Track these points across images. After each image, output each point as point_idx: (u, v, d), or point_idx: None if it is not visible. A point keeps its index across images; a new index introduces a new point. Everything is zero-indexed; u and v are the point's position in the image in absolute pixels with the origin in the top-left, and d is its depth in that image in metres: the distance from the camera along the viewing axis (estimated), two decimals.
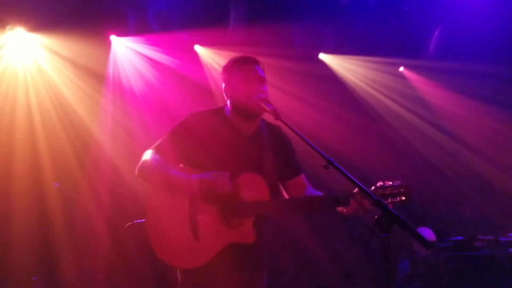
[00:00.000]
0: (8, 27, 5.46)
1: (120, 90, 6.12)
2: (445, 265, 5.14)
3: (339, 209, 2.72)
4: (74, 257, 5.35)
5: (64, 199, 5.56)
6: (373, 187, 2.61)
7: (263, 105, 2.75)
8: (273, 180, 2.89)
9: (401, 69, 7.42)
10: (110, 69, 6.09)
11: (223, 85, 2.97)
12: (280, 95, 6.18)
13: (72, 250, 5.39)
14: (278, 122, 2.73)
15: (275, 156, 2.93)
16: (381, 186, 2.59)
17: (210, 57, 6.50)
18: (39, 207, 5.39)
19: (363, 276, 6.21)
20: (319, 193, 2.92)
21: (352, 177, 2.36)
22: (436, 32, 6.89)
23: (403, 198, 2.55)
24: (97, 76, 5.96)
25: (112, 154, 5.88)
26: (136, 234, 4.47)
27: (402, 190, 2.56)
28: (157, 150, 2.81)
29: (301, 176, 3.04)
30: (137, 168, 2.81)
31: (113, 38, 6.07)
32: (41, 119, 5.68)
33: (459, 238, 5.51)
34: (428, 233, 5.76)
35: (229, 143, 2.84)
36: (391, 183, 2.58)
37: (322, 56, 7.12)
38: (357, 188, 2.54)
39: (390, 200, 2.55)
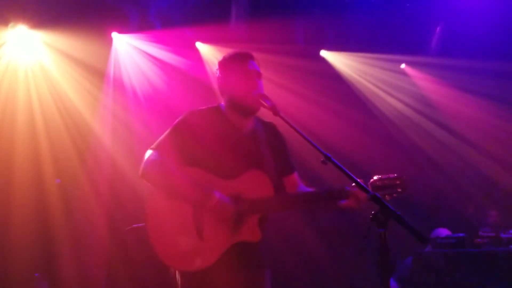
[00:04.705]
0: (10, 24, 5.48)
1: (121, 87, 6.13)
2: (446, 262, 5.13)
3: (341, 204, 2.75)
4: (75, 253, 5.37)
5: (65, 195, 5.58)
6: (370, 180, 2.66)
7: (262, 101, 2.75)
8: (274, 176, 2.88)
9: (403, 66, 7.41)
10: (112, 66, 6.10)
11: (219, 82, 2.95)
12: (281, 91, 6.17)
13: (73, 246, 5.41)
14: (276, 118, 2.71)
15: (272, 152, 2.93)
16: (378, 179, 2.66)
17: (212, 54, 6.50)
18: (40, 203, 5.42)
19: (362, 272, 6.22)
20: (312, 190, 2.93)
21: (349, 172, 2.36)
22: (438, 29, 6.88)
23: (399, 190, 2.64)
24: (99, 73, 5.98)
25: (113, 150, 5.91)
26: (136, 233, 4.49)
27: (398, 182, 2.64)
28: (159, 150, 2.77)
29: (295, 174, 3.05)
30: (140, 169, 2.77)
31: (114, 35, 6.08)
32: (42, 116, 5.70)
33: (461, 235, 5.50)
34: (444, 233, 5.77)
35: (228, 140, 2.82)
36: (387, 176, 2.66)
37: (324, 53, 7.11)
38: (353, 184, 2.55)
39: (388, 192, 2.63)
